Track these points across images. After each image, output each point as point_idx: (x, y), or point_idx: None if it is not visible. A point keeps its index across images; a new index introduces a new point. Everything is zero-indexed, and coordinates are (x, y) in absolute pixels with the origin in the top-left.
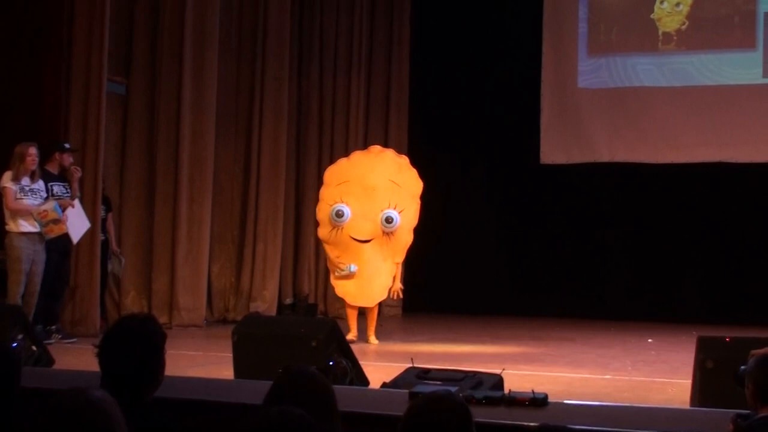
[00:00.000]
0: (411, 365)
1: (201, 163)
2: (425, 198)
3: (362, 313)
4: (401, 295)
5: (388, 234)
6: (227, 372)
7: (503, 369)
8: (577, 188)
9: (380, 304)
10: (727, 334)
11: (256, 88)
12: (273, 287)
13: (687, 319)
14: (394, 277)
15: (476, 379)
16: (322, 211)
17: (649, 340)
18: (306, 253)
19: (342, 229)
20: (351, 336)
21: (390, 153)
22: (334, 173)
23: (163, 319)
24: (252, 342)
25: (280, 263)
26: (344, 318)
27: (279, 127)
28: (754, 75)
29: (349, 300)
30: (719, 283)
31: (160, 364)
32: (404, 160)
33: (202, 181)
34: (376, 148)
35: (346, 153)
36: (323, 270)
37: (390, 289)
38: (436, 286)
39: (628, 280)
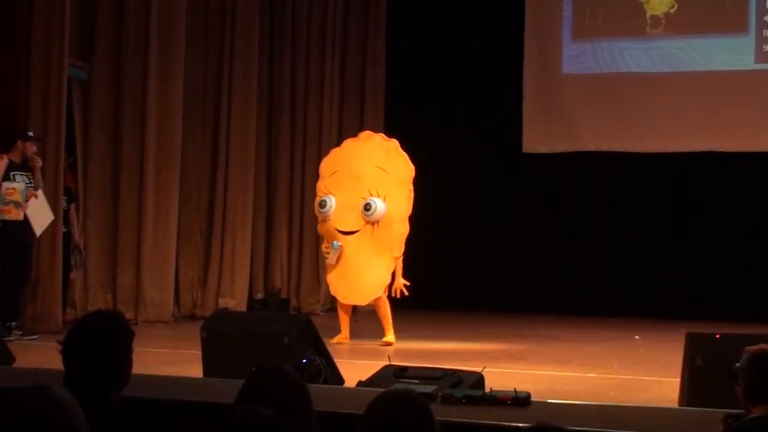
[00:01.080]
0: (388, 363)
1: (167, 153)
2: None
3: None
4: (406, 293)
5: (373, 224)
6: (196, 370)
7: (484, 367)
8: (560, 179)
9: (391, 301)
10: (718, 330)
11: (224, 75)
12: (243, 282)
13: (675, 316)
14: (395, 274)
15: (456, 377)
16: (316, 205)
17: (636, 337)
18: (278, 245)
19: (328, 220)
20: (341, 338)
21: (378, 138)
22: (327, 164)
23: (128, 315)
24: (221, 339)
25: (250, 257)
26: (318, 314)
27: (248, 116)
28: (746, 60)
29: (340, 298)
30: (709, 277)
31: (127, 362)
32: (393, 143)
33: (168, 172)
34: (365, 134)
35: (319, 144)
36: (296, 263)
37: (392, 287)
38: (414, 280)
39: (614, 275)
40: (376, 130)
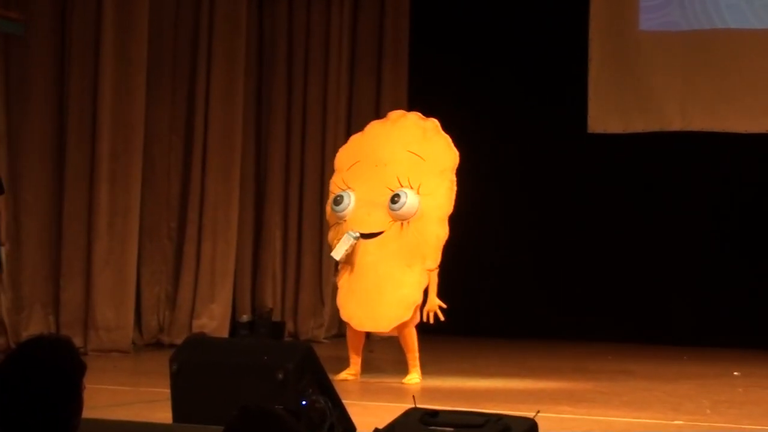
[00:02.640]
0: (413, 406)
1: (127, 131)
2: None
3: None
4: (441, 317)
5: (401, 223)
6: (163, 413)
7: (538, 411)
8: (637, 168)
9: (418, 328)
10: None
11: (203, 27)
12: (224, 299)
13: None
14: (428, 292)
15: (502, 424)
16: (328, 207)
17: (735, 374)
18: (270, 252)
19: (344, 222)
20: (349, 372)
21: (412, 117)
22: (345, 154)
23: (75, 342)
24: (197, 373)
25: (234, 267)
26: (321, 341)
27: (233, 81)
28: None
29: (354, 324)
30: None
31: (75, 404)
32: (431, 122)
33: (128, 156)
34: (396, 113)
35: (323, 119)
36: (292, 276)
37: (422, 309)
38: (448, 300)
39: (705, 294)
40: (396, 99)
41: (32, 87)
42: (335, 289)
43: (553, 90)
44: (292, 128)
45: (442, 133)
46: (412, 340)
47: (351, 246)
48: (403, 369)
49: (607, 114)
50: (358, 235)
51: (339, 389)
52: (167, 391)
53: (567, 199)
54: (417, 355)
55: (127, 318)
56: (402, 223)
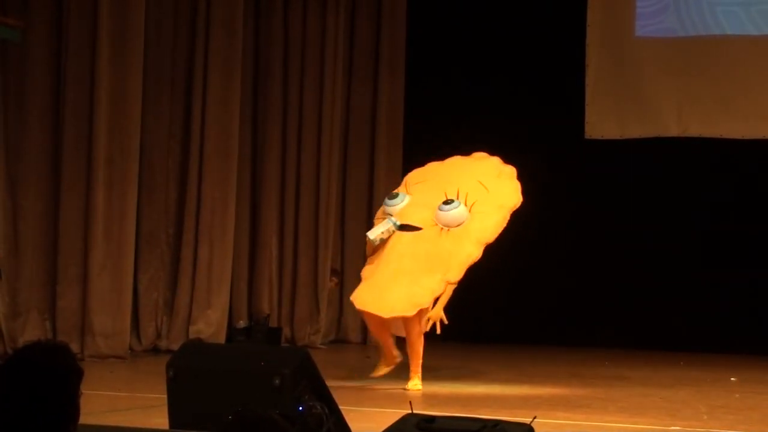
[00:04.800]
0: (410, 412)
1: (124, 137)
2: None
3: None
4: (438, 330)
5: (442, 228)
6: (160, 419)
7: (534, 417)
8: (634, 173)
9: (426, 334)
10: None
11: (199, 34)
12: (221, 305)
13: None
14: (438, 300)
15: (498, 430)
16: (378, 216)
17: (732, 379)
18: (266, 258)
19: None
20: (385, 364)
21: (494, 160)
22: (416, 175)
23: (72, 348)
24: (193, 379)
25: (231, 273)
26: (318, 347)
27: (230, 87)
28: None
29: (357, 303)
30: None
31: (72, 410)
32: (509, 169)
33: (125, 161)
34: (480, 155)
35: (318, 125)
36: (289, 282)
37: (429, 316)
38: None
39: (702, 299)
40: (393, 106)
41: (29, 93)
42: (332, 294)
43: (550, 96)
44: (288, 135)
45: (516, 180)
46: (419, 347)
47: (388, 231)
48: (399, 375)
49: (604, 120)
50: (398, 222)
51: (336, 395)
52: (164, 397)
53: (564, 205)
54: (420, 362)
55: (124, 324)
56: (442, 228)
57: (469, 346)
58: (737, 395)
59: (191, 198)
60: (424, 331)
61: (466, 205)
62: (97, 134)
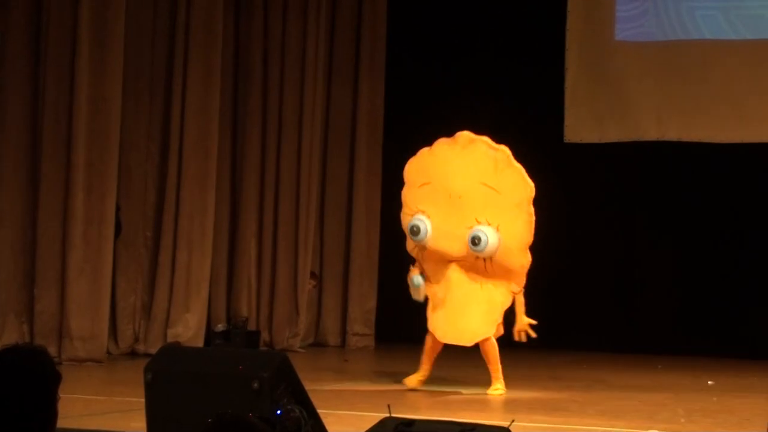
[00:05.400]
0: (388, 415)
1: (103, 140)
2: (392, 187)
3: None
4: (533, 334)
5: (485, 259)
6: (138, 423)
7: (513, 420)
8: (612, 177)
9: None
10: None
11: (179, 37)
12: (200, 309)
13: (760, 355)
14: (516, 312)
15: None
16: (405, 221)
17: (710, 383)
18: (245, 262)
19: (425, 248)
20: (418, 378)
21: (482, 144)
22: (415, 169)
23: (50, 351)
24: (171, 382)
25: (209, 276)
26: (296, 351)
27: (209, 90)
28: None
29: (438, 335)
30: None
31: (50, 414)
32: (502, 153)
33: (103, 165)
34: (465, 137)
35: (299, 127)
36: (268, 285)
37: (513, 329)
38: (421, 308)
39: (680, 302)
40: (373, 109)
41: (8, 96)
42: (310, 297)
43: (530, 100)
44: (268, 138)
45: (515, 163)
46: (493, 353)
47: (421, 292)
48: (380, 378)
49: (584, 124)
50: (422, 280)
51: (314, 398)
52: (142, 400)
53: (543, 209)
54: (499, 366)
55: (101, 327)
56: (485, 259)
57: (447, 350)
58: (715, 399)
59: (170, 201)
60: (519, 341)
61: (490, 225)
62: (77, 137)
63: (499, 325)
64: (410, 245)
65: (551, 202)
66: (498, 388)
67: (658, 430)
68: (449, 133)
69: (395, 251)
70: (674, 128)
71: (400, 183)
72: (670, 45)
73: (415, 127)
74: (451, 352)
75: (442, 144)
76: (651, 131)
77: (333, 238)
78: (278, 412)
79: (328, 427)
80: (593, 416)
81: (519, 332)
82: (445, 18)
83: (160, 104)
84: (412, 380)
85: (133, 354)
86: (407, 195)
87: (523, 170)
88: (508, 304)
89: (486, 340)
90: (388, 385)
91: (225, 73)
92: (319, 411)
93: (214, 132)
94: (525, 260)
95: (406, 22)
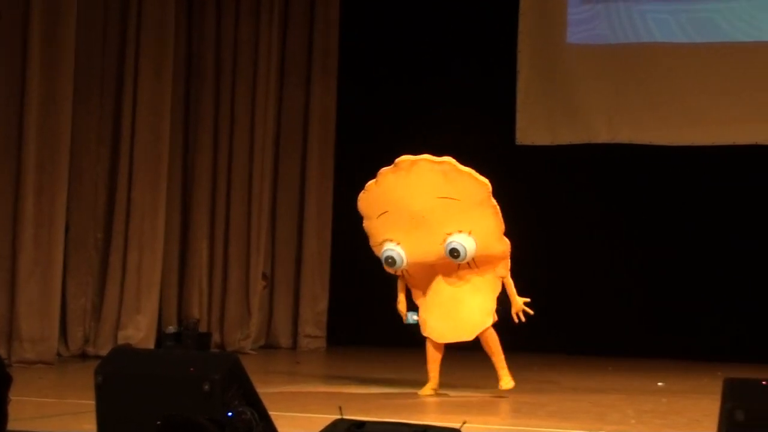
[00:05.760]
0: (340, 417)
1: (54, 142)
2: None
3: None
4: (531, 312)
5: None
6: (89, 425)
7: (464, 422)
8: (564, 180)
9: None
10: (765, 375)
11: (130, 37)
12: (151, 310)
13: (711, 356)
14: (509, 294)
15: None
16: (377, 252)
17: (659, 384)
18: (196, 263)
19: (409, 277)
20: (429, 388)
21: (424, 163)
22: (367, 203)
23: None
24: (122, 384)
25: (160, 278)
26: (247, 352)
27: (161, 92)
28: None
29: (436, 336)
30: (754, 309)
31: (0, 416)
32: (447, 164)
33: (54, 165)
34: (405, 161)
35: (251, 129)
36: (219, 287)
37: (510, 313)
38: (375, 309)
39: (631, 305)
40: (326, 111)
41: None
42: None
43: (482, 102)
44: (220, 140)
45: (463, 168)
46: (495, 343)
47: (417, 318)
48: (331, 380)
49: (535, 126)
50: (416, 318)
51: (265, 400)
52: (92, 403)
53: None
54: (503, 357)
55: (52, 329)
56: (469, 263)
57: (399, 351)
58: (664, 400)
59: (121, 203)
60: (519, 322)
61: (462, 232)
62: (27, 139)
63: (493, 312)
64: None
65: (503, 204)
66: (508, 381)
67: (608, 431)
68: (401, 134)
69: (347, 253)
70: (625, 131)
71: (352, 184)
72: (622, 48)
73: (367, 128)
74: (396, 355)
75: (386, 174)
76: (602, 134)
77: (285, 240)
78: (229, 414)
79: (279, 429)
80: (543, 417)
81: (516, 313)
82: (397, 21)
83: (110, 105)
84: (426, 390)
85: (83, 356)
86: (369, 227)
87: (473, 171)
88: (498, 291)
89: (485, 330)
90: (340, 387)
91: (177, 73)
92: (271, 413)
93: (166, 133)
94: (504, 246)
95: (358, 23)
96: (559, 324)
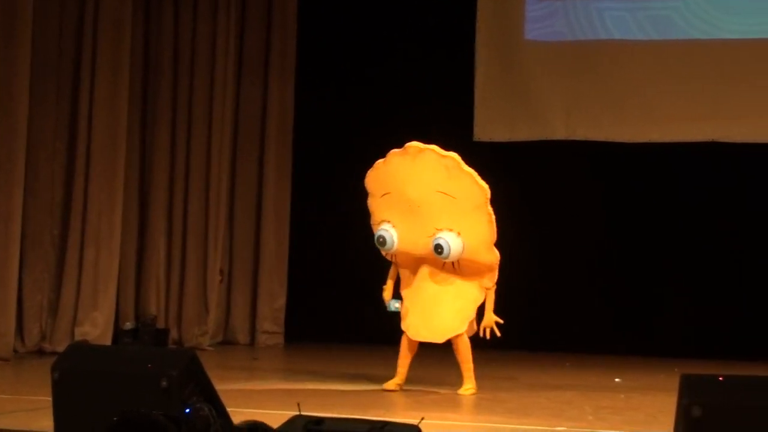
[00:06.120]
0: (298, 413)
1: (9, 137)
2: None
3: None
4: (498, 333)
5: (453, 262)
6: (46, 421)
7: (422, 418)
8: (521, 176)
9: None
10: (721, 371)
11: (87, 33)
12: (108, 307)
13: (667, 353)
14: (485, 308)
15: (386, 431)
16: (374, 229)
17: (617, 380)
18: (154, 260)
19: (397, 264)
20: (396, 383)
21: (431, 153)
22: (374, 180)
23: None
24: (79, 381)
25: (117, 274)
26: (205, 349)
27: (118, 88)
28: (761, 26)
29: (410, 333)
30: (710, 305)
31: None
32: (452, 159)
33: (10, 162)
34: (414, 147)
35: (209, 125)
36: (177, 284)
37: (479, 325)
38: (333, 306)
39: (588, 302)
40: (283, 108)
41: None
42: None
43: (438, 98)
44: (177, 136)
45: (465, 168)
46: (465, 350)
47: (399, 306)
48: (289, 376)
49: (493, 122)
50: (398, 305)
51: (223, 396)
52: (49, 399)
53: None
54: (471, 366)
55: (8, 325)
56: (453, 264)
57: (356, 348)
58: (622, 396)
59: (77, 199)
60: (484, 337)
61: (451, 231)
62: None
63: (472, 321)
64: (387, 255)
65: None
66: (469, 388)
67: (565, 427)
68: (359, 130)
69: (305, 250)
70: (583, 128)
71: (309, 183)
72: (580, 45)
73: (325, 125)
74: (355, 351)
75: (394, 155)
76: (560, 130)
77: (242, 237)
78: (187, 410)
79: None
80: (501, 414)
81: (485, 328)
82: (356, 18)
83: (67, 102)
84: (390, 384)
85: (40, 352)
86: (372, 205)
87: (475, 174)
88: (480, 300)
89: (458, 336)
90: (298, 384)
91: (134, 71)
92: (229, 409)
93: (123, 130)
94: (493, 257)
95: (316, 21)
96: (518, 321)
